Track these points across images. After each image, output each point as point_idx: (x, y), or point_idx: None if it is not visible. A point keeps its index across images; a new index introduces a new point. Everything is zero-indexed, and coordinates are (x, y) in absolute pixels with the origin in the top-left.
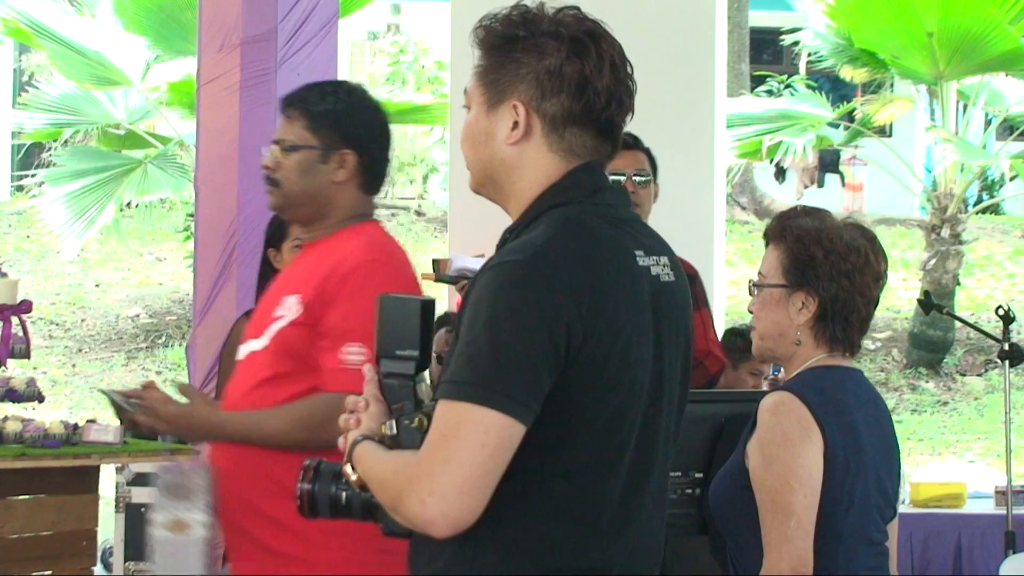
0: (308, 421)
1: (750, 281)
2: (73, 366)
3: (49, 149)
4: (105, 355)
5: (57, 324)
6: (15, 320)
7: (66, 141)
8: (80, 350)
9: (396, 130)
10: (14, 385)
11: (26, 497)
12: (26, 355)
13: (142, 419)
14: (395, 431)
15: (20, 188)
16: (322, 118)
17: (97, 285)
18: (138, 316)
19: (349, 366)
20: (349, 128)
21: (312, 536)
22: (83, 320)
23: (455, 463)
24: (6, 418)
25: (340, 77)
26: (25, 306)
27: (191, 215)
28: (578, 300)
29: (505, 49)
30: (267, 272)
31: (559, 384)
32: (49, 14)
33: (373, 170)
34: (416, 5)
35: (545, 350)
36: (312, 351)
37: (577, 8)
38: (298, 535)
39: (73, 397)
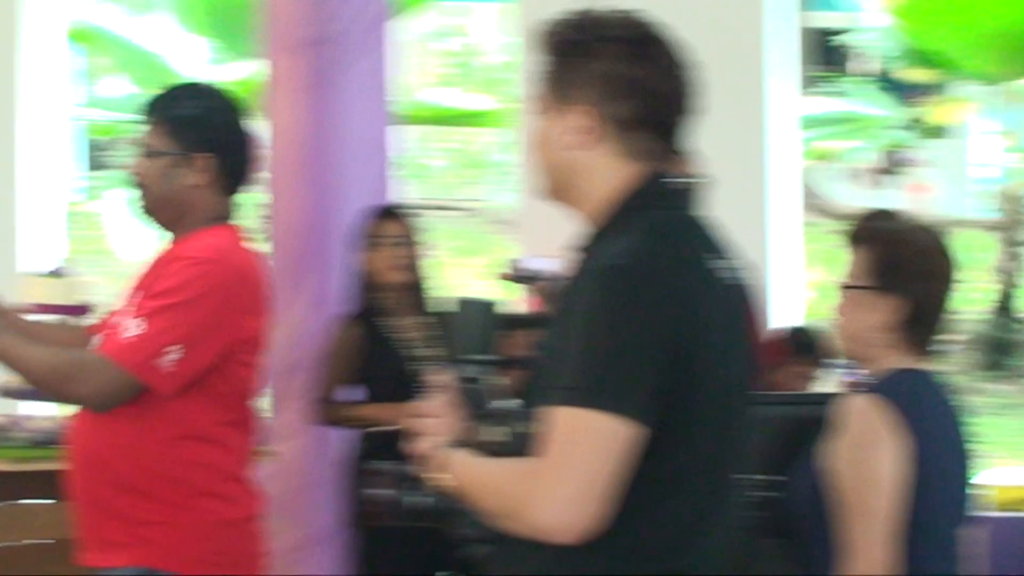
0: (60, 369)
1: (838, 283)
2: None
3: (114, 151)
4: None
5: None
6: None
7: (130, 140)
8: None
9: (456, 133)
10: None
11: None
12: None
13: None
14: (502, 438)
15: (86, 190)
16: (179, 123)
17: None
18: None
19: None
20: (205, 132)
21: (136, 523)
22: None
23: (581, 470)
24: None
25: (399, 79)
26: (80, 309)
27: (260, 218)
28: (682, 304)
29: (571, 53)
30: (358, 276)
31: (663, 388)
32: (113, 17)
33: (231, 172)
34: (478, 7)
35: (658, 353)
36: None
37: (642, 11)
38: (131, 521)
39: None
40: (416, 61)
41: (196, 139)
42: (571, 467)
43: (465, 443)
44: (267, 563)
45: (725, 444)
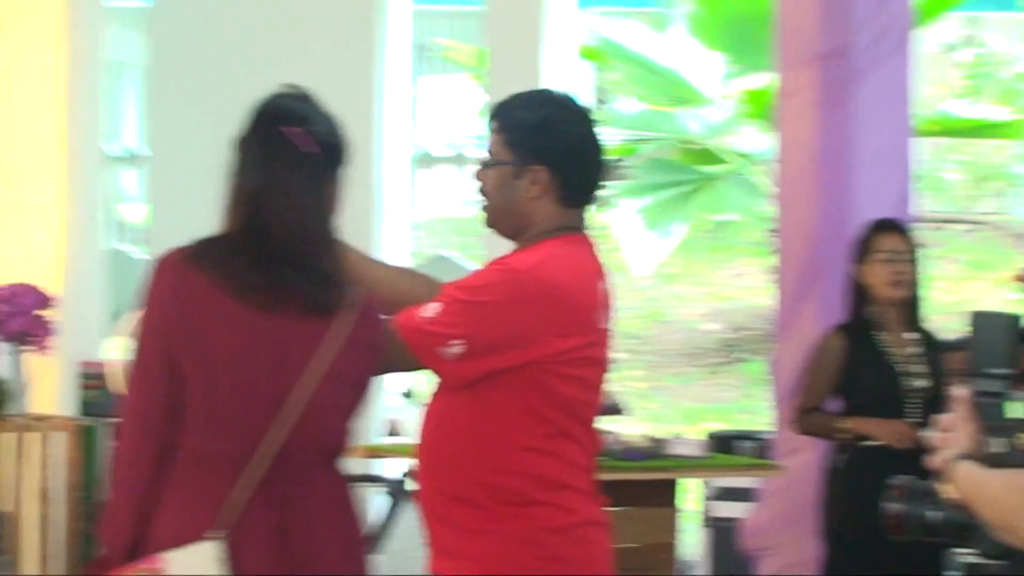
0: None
1: None
2: (654, 380)
3: (626, 162)
4: (684, 369)
5: (637, 338)
6: None
7: (641, 154)
8: (660, 364)
9: (971, 144)
10: None
11: (613, 509)
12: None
13: None
14: (1006, 449)
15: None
16: (516, 132)
17: (675, 300)
18: (717, 331)
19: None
20: (542, 143)
21: (467, 531)
22: (662, 334)
23: None
24: None
25: (915, 91)
26: None
27: (769, 230)
28: None
29: None
30: (855, 287)
31: None
32: (626, 33)
33: (571, 185)
34: (995, 16)
35: None
36: None
37: None
38: (459, 529)
39: (654, 411)
40: (933, 72)
41: (533, 149)
42: None
43: (973, 455)
44: (611, 567)
45: None
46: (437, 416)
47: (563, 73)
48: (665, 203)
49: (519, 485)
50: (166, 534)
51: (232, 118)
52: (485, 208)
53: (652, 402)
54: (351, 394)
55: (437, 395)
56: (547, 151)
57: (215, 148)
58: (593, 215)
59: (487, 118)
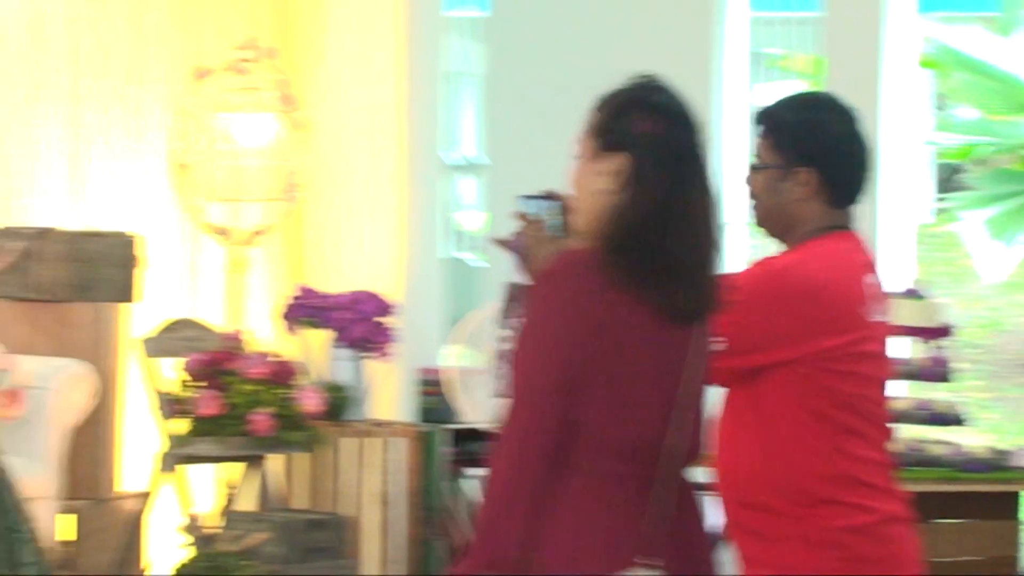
0: None
1: None
2: (995, 391)
3: (967, 172)
4: None
5: (979, 348)
6: (935, 343)
7: (982, 163)
8: (1002, 375)
9: None
10: (936, 408)
11: (953, 521)
12: (944, 378)
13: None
14: None
15: (941, 211)
16: (782, 136)
17: (1017, 309)
18: None
19: None
20: (808, 145)
21: (768, 539)
22: (1004, 344)
23: None
24: (929, 441)
25: None
26: (942, 331)
27: None
28: None
29: None
30: None
31: None
32: (966, 39)
33: (837, 185)
34: None
35: None
36: None
37: None
38: (759, 537)
39: (996, 422)
40: None
41: (798, 152)
42: None
43: None
44: (921, 566)
45: None
46: (726, 426)
47: (902, 80)
48: (1011, 213)
49: (811, 486)
50: (560, 554)
51: (569, 126)
52: (755, 209)
53: (993, 413)
54: (704, 401)
55: (725, 405)
56: (813, 153)
57: (553, 156)
58: (939, 224)
59: (754, 122)
